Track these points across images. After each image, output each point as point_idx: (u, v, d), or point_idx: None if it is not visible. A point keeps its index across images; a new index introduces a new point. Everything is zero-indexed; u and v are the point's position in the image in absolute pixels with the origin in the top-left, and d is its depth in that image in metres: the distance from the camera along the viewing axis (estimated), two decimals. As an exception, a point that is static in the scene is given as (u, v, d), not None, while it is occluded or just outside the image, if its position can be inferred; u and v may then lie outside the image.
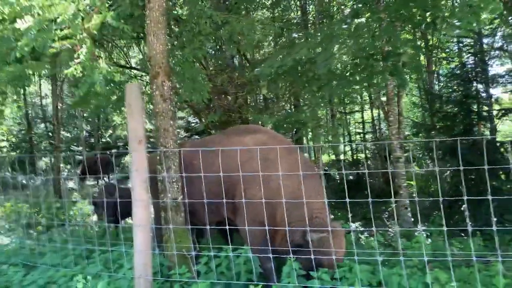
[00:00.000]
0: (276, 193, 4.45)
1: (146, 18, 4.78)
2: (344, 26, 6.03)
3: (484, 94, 11.24)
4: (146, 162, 3.91)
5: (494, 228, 3.30)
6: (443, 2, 5.01)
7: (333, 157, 23.89)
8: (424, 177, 13.56)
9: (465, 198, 3.39)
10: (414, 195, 14.93)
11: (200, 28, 6.51)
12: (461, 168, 3.35)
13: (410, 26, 6.30)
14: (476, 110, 9.97)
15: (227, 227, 4.57)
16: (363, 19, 6.15)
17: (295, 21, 13.63)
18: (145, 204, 3.93)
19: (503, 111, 11.63)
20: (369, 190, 3.35)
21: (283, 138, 5.16)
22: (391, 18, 5.77)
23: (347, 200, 3.44)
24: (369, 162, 17.64)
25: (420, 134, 11.79)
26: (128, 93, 3.96)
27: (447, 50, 14.83)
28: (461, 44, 12.21)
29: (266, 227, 3.96)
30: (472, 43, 11.74)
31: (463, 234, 8.56)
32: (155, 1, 4.72)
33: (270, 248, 4.44)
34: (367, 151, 18.71)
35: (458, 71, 10.64)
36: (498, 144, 9.30)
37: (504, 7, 11.76)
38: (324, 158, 24.35)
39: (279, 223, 4.42)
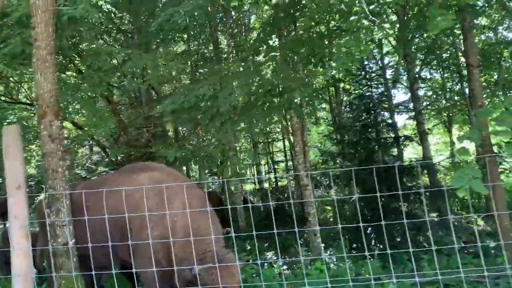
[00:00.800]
0: (171, 230, 4.43)
1: (33, 56, 4.65)
2: (242, 64, 6.29)
3: (388, 121, 12.18)
4: (26, 208, 3.73)
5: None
6: (327, 43, 5.46)
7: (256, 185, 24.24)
8: (338, 202, 14.19)
9: (338, 226, 3.63)
10: (331, 219, 15.53)
11: (100, 64, 6.43)
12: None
13: (302, 64, 6.73)
14: (377, 137, 10.75)
15: (113, 271, 4.44)
16: (261, 57, 6.46)
17: (209, 55, 13.90)
18: (25, 252, 3.71)
19: (404, 138, 12.65)
20: (251, 222, 3.46)
21: (179, 175, 5.18)
22: (285, 57, 6.13)
23: (232, 235, 3.54)
24: (289, 189, 18.14)
25: (335, 162, 12.41)
26: (5, 135, 3.78)
27: (354, 81, 15.98)
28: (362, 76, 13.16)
29: (154, 268, 3.91)
30: (375, 75, 12.75)
31: (369, 257, 9.04)
32: (42, 40, 4.61)
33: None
34: (290, 178, 19.26)
35: (361, 101, 11.44)
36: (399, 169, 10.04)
37: (398, 43, 13.01)
38: (248, 187, 24.70)
39: (174, 261, 4.38)
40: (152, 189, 4.54)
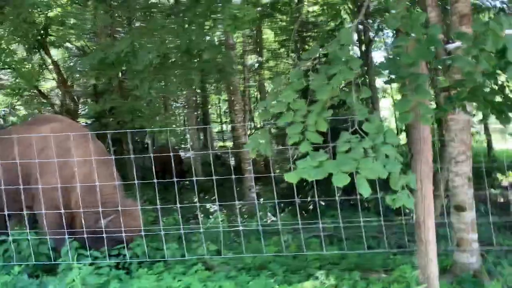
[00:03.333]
0: (70, 179, 4.83)
1: None
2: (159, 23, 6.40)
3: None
4: None
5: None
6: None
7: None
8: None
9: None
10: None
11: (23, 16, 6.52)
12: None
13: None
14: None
15: (25, 211, 4.84)
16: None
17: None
18: None
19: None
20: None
21: (80, 126, 5.47)
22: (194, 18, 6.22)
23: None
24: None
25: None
26: None
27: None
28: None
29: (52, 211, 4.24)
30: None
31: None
32: None
33: (66, 230, 4.77)
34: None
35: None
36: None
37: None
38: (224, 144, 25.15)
39: (74, 208, 4.80)
40: (53, 139, 4.84)
